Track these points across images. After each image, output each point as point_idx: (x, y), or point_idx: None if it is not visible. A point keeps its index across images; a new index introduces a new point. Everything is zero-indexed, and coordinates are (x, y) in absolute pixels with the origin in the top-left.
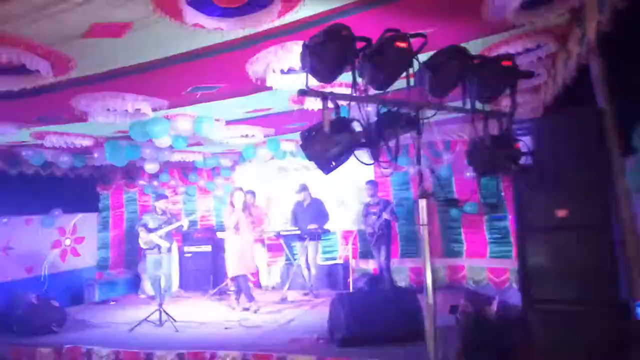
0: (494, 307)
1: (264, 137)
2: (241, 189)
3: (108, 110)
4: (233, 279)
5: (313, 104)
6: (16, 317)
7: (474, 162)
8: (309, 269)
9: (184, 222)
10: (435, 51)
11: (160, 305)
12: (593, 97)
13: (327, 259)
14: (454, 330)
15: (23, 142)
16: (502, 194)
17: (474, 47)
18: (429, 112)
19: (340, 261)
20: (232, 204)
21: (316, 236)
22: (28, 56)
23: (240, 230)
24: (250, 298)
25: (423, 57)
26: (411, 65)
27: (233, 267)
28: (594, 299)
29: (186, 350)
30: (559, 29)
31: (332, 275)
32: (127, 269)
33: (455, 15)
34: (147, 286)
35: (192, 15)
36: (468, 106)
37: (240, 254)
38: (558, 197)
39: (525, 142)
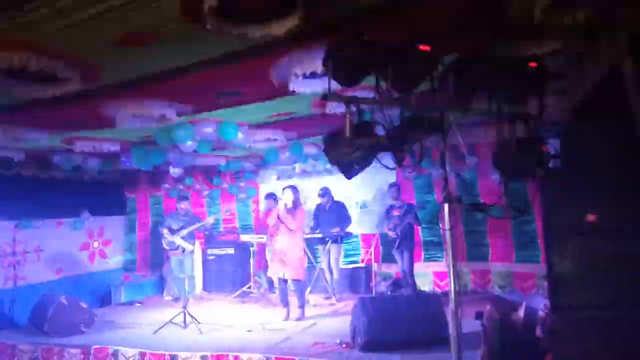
0: (521, 313)
1: (287, 140)
2: (290, 188)
3: (134, 116)
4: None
5: (335, 107)
6: (46, 318)
7: (500, 166)
8: (331, 273)
9: (209, 219)
10: (459, 53)
11: (185, 307)
12: (624, 99)
13: (349, 263)
14: (479, 337)
15: (54, 147)
16: (529, 197)
17: (499, 48)
18: (453, 116)
19: (363, 265)
20: (277, 204)
21: (338, 239)
22: (57, 64)
23: (280, 230)
24: (284, 303)
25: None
26: (435, 68)
27: (270, 268)
28: (626, 305)
29: (209, 352)
30: (587, 29)
31: (354, 279)
32: (153, 271)
33: (477, 14)
34: (172, 288)
35: (216, 21)
36: (494, 109)
37: (278, 255)
38: (588, 201)
39: (553, 145)
